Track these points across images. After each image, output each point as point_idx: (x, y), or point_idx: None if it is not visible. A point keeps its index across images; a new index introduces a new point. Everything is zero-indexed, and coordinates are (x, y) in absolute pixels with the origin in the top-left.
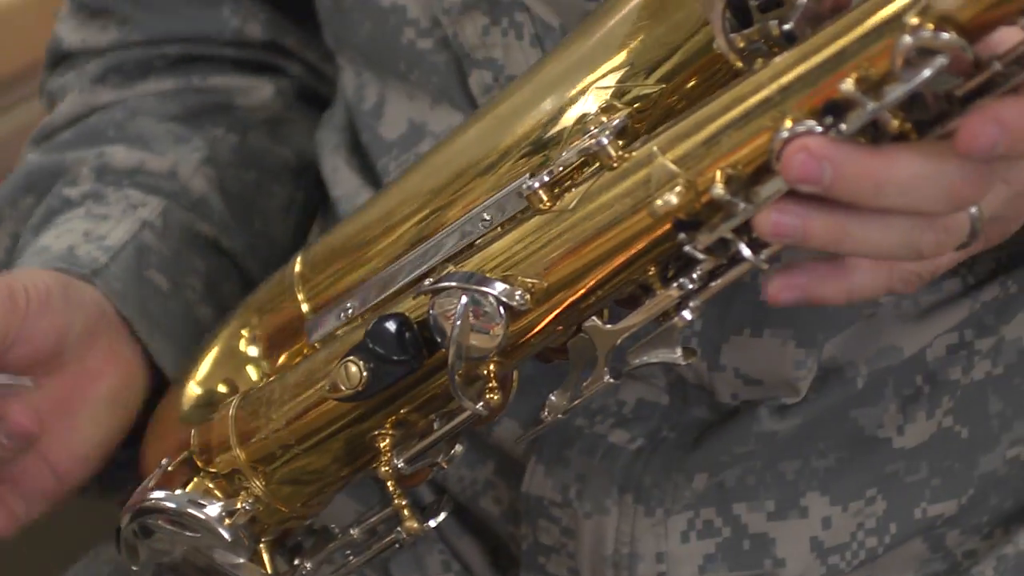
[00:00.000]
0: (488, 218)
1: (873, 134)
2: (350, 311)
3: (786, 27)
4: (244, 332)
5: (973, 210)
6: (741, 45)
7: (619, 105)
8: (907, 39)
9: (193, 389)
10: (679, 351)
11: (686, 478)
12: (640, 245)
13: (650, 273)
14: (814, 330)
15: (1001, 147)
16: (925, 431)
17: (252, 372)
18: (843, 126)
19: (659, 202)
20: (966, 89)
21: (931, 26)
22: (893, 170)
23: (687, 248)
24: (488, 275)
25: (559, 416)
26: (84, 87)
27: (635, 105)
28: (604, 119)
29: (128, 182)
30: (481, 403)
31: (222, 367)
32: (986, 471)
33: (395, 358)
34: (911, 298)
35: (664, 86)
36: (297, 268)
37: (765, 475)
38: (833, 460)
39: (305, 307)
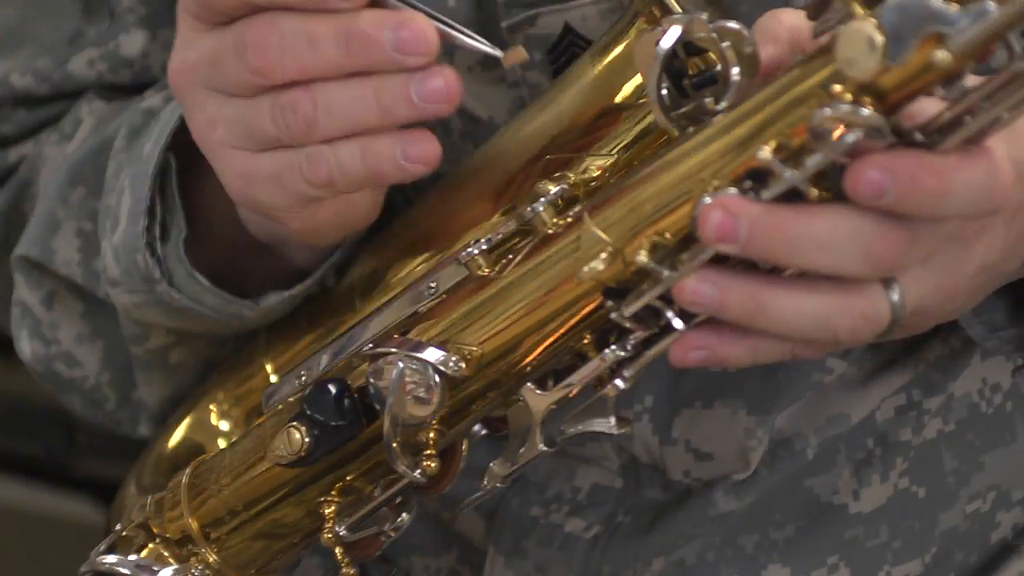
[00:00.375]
0: (433, 286)
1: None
2: (303, 378)
3: (720, 105)
4: (213, 407)
5: (895, 297)
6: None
7: (571, 176)
8: (823, 112)
9: (161, 458)
10: (613, 420)
11: (644, 564)
12: (570, 312)
13: (586, 341)
14: (764, 400)
15: (892, 195)
16: (882, 494)
17: (223, 445)
18: (763, 193)
19: (586, 269)
20: None
21: (849, 97)
22: (810, 226)
23: (613, 316)
24: (425, 342)
25: (498, 484)
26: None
27: (583, 175)
28: (551, 188)
29: None
30: (419, 470)
31: (195, 436)
32: (947, 528)
33: (333, 424)
34: (855, 364)
35: (615, 158)
36: (264, 338)
37: (725, 551)
38: (792, 530)
39: (273, 377)
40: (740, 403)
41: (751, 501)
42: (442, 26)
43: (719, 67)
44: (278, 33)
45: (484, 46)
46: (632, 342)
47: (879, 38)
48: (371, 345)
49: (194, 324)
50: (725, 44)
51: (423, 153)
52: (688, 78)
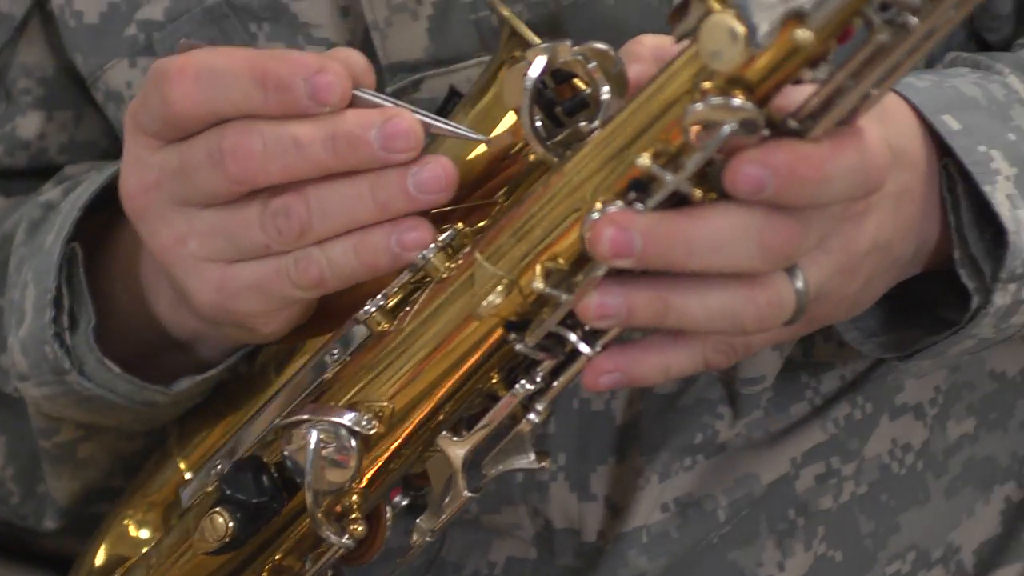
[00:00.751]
0: (336, 351)
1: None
2: (219, 467)
3: (594, 125)
4: (128, 520)
5: (799, 284)
6: (558, 149)
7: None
8: (695, 107)
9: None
10: (532, 455)
11: None
12: (475, 352)
13: (495, 380)
14: (669, 458)
15: (771, 188)
16: (804, 563)
17: None
18: (648, 202)
19: (484, 304)
20: None
21: (717, 92)
22: (701, 228)
23: (518, 347)
24: (335, 405)
25: (427, 539)
26: None
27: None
28: (440, 235)
29: None
30: (346, 536)
31: (118, 551)
32: None
33: (255, 502)
34: (762, 428)
35: (502, 200)
36: (175, 436)
37: None
38: None
39: (188, 475)
40: (645, 460)
41: (665, 564)
42: (424, 117)
43: (588, 90)
44: (259, 139)
45: (467, 133)
46: (540, 374)
47: (740, 27)
48: (281, 418)
49: (105, 415)
50: (592, 65)
51: (419, 239)
52: (559, 105)
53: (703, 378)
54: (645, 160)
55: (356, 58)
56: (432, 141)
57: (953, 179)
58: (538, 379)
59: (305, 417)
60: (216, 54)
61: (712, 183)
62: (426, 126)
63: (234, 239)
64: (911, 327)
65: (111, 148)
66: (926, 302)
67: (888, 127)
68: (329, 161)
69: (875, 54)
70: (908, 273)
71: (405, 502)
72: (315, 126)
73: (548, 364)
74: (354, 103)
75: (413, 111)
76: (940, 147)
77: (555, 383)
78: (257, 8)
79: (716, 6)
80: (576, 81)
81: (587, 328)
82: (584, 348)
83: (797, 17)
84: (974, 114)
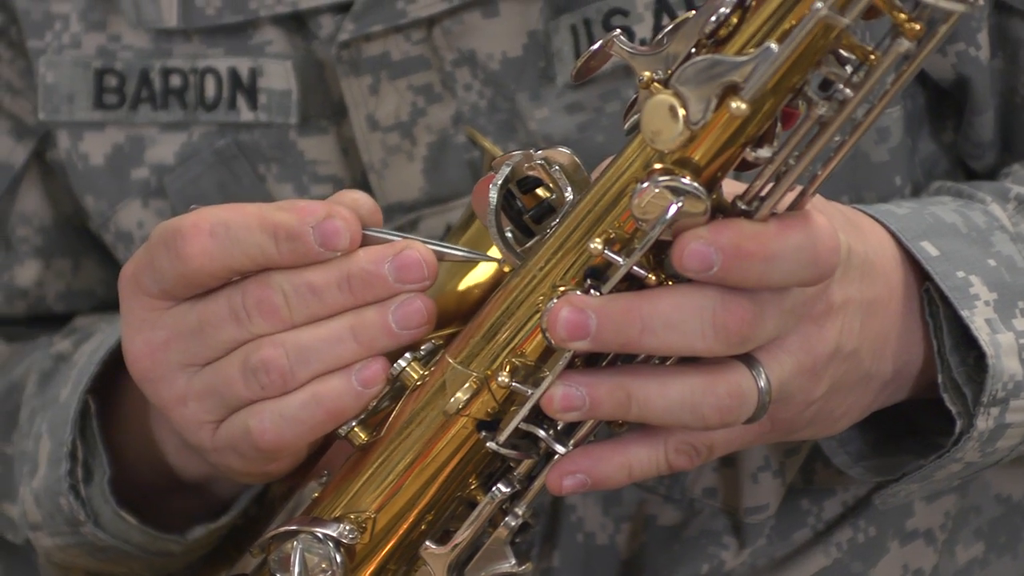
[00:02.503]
0: (326, 472)
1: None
2: None
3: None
4: None
5: (760, 380)
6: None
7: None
8: (640, 187)
9: None
10: (512, 560)
11: None
12: (452, 456)
13: (473, 487)
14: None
15: (718, 265)
16: None
17: None
18: (603, 287)
19: (451, 401)
20: None
21: (663, 173)
22: (655, 306)
23: (489, 445)
24: (320, 517)
25: None
26: None
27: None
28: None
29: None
30: None
31: None
32: None
33: None
34: (765, 555)
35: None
36: None
37: None
38: None
39: None
40: None
41: None
42: (434, 246)
43: (553, 195)
44: (280, 292)
45: (478, 256)
46: (518, 477)
47: (679, 104)
48: (270, 531)
49: (117, 564)
50: (555, 169)
51: (378, 371)
52: (526, 213)
53: (707, 509)
54: (597, 244)
55: (363, 199)
56: None
57: (935, 304)
58: (515, 483)
59: (292, 528)
60: (227, 210)
61: (668, 269)
62: (439, 254)
63: (223, 398)
64: (901, 452)
65: (108, 296)
66: (920, 428)
67: (858, 239)
68: (347, 301)
69: (818, 128)
70: (894, 398)
71: None
72: (329, 270)
73: (525, 467)
74: (366, 242)
75: (425, 242)
76: (920, 273)
77: (532, 485)
78: (266, 148)
79: (658, 88)
80: (540, 191)
81: (559, 427)
82: (557, 447)
83: (732, 88)
84: (953, 240)
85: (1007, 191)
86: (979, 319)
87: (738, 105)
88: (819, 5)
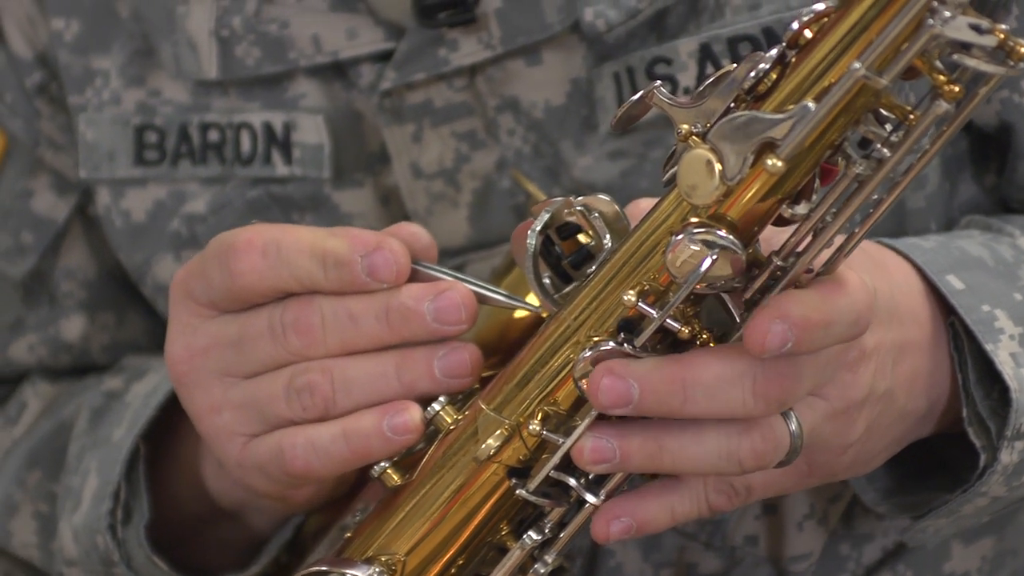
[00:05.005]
0: (359, 513)
1: (673, 345)
2: None
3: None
4: None
5: (793, 426)
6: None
7: None
8: (675, 239)
9: None
10: None
11: None
12: (483, 502)
13: (504, 533)
14: None
15: (792, 343)
16: None
17: None
18: (636, 340)
19: (482, 447)
20: (752, 290)
21: (702, 224)
22: (696, 373)
23: (519, 492)
24: (351, 559)
25: None
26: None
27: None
28: None
29: None
30: None
31: None
32: None
33: None
34: None
35: None
36: None
37: None
38: None
39: None
40: None
41: None
42: (478, 289)
43: (592, 242)
44: (319, 313)
45: (520, 303)
46: (549, 525)
47: (715, 160)
48: (300, 572)
49: None
50: (594, 216)
51: (410, 421)
52: (565, 259)
53: (749, 558)
54: (631, 296)
55: (420, 232)
56: None
57: (960, 337)
58: (546, 530)
59: (323, 569)
60: (281, 230)
61: (700, 320)
62: (482, 297)
63: (262, 412)
64: (929, 489)
65: (153, 348)
66: (948, 464)
67: (883, 280)
68: (383, 334)
69: (852, 187)
70: (923, 432)
71: None
72: (371, 300)
73: (556, 514)
74: (415, 277)
75: (471, 283)
76: (945, 307)
77: (562, 533)
78: (299, 199)
79: (696, 142)
80: (581, 236)
81: (591, 476)
82: (588, 496)
83: (769, 145)
84: (979, 274)
85: None
86: (1003, 353)
87: (774, 163)
88: (857, 65)
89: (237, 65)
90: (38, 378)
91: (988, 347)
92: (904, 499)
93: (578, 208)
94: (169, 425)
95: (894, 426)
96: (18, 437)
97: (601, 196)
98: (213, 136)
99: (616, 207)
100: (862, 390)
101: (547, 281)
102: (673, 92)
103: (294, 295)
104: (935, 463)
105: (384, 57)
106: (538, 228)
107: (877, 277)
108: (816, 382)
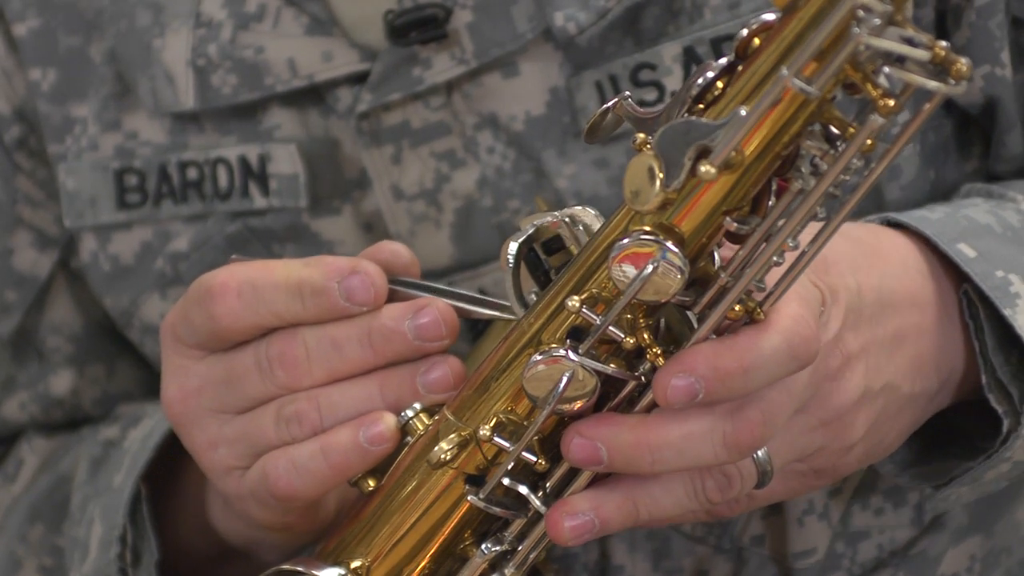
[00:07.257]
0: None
1: (627, 358)
2: None
3: None
4: None
5: (759, 452)
6: None
7: None
8: (619, 243)
9: None
10: None
11: None
12: (442, 507)
13: (467, 543)
14: None
15: (703, 393)
16: None
17: None
18: (580, 348)
19: (434, 450)
20: (702, 305)
21: (647, 231)
22: (662, 435)
23: (471, 499)
24: (319, 561)
25: None
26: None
27: None
28: None
29: None
30: None
31: None
32: None
33: None
34: None
35: None
36: None
37: None
38: None
39: None
40: None
41: None
42: (458, 302)
43: (576, 254)
44: (303, 345)
45: (501, 312)
46: (509, 537)
47: (657, 165)
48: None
49: None
50: (579, 228)
51: (385, 431)
52: (551, 273)
53: (756, 558)
54: (575, 303)
55: (402, 250)
56: None
57: (975, 305)
58: (506, 542)
59: (292, 568)
60: (255, 268)
61: (649, 334)
62: (462, 311)
63: (254, 445)
64: (948, 458)
65: (145, 397)
66: (964, 433)
67: (870, 273)
68: (368, 357)
69: (795, 200)
70: (938, 406)
71: None
72: (352, 326)
73: (517, 526)
74: (394, 296)
75: (452, 293)
76: (958, 275)
77: (520, 546)
78: (278, 230)
79: (645, 150)
80: (573, 248)
81: (548, 488)
82: (539, 506)
83: (704, 152)
84: (989, 241)
85: None
86: (1021, 317)
87: (707, 169)
88: (785, 72)
89: (214, 95)
90: (33, 434)
91: (1006, 312)
92: (923, 469)
93: (565, 220)
94: (170, 468)
95: (903, 412)
96: (18, 494)
97: (587, 208)
98: (192, 174)
99: (601, 219)
100: (851, 394)
101: (533, 296)
102: (660, 98)
103: (277, 329)
104: (949, 431)
105: (361, 79)
106: (520, 240)
107: (863, 271)
108: (795, 407)
